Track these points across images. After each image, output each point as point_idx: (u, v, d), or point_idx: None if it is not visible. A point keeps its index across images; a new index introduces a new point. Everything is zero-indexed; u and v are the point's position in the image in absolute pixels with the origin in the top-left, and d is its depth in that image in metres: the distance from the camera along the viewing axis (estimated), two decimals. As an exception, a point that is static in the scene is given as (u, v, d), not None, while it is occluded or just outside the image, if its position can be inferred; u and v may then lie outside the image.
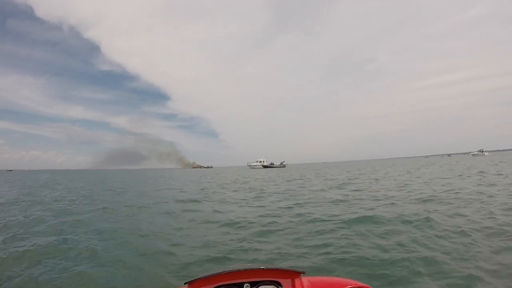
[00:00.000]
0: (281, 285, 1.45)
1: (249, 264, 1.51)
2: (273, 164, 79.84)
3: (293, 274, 1.49)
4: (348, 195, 11.50)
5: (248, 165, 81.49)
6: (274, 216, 7.86)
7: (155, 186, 22.03)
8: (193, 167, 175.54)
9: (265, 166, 77.04)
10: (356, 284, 1.54)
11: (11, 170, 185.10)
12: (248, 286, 1.41)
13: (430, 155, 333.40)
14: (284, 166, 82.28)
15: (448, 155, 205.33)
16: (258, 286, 1.43)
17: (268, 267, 1.46)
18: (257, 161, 78.51)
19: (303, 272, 1.53)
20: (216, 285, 1.41)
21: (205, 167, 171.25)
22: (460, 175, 19.06)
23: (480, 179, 15.56)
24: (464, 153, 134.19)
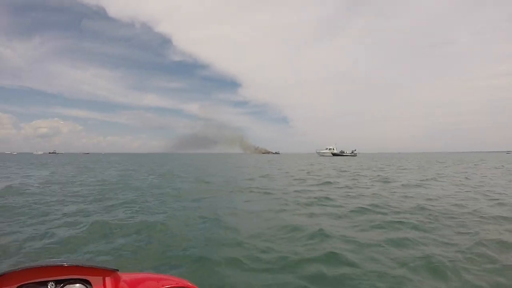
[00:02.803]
0: (90, 284, 1.27)
1: (53, 260, 1.25)
2: (343, 152, 75.96)
3: (104, 271, 1.31)
4: None
5: (317, 152, 79.58)
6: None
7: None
8: (262, 153, 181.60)
9: (334, 154, 73.90)
10: (177, 282, 1.41)
11: (88, 153, 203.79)
12: (53, 285, 1.20)
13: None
14: (355, 155, 77.50)
15: None
16: (64, 285, 1.22)
17: (75, 263, 1.25)
18: (326, 149, 75.69)
19: (117, 270, 1.35)
20: (16, 285, 1.16)
21: (273, 153, 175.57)
22: None
23: None
24: None
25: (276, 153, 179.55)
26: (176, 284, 1.38)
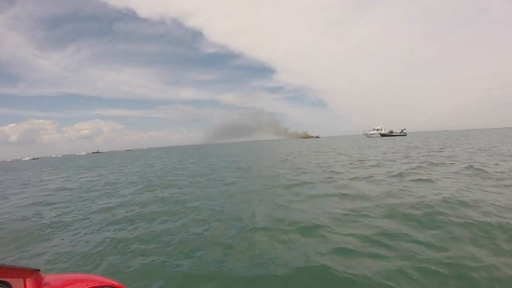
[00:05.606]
0: (10, 286, 1.22)
1: None
2: (393, 132, 73.79)
3: (25, 272, 1.27)
4: None
5: (364, 134, 77.89)
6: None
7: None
8: (302, 137, 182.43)
9: (383, 135, 71.85)
10: (102, 281, 1.39)
11: (130, 150, 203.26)
12: None
13: None
14: (405, 135, 75.28)
15: None
16: None
17: None
18: (374, 129, 73.73)
19: (38, 270, 1.32)
20: None
21: (313, 137, 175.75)
22: None
23: None
24: None
25: (316, 137, 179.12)
26: (101, 283, 1.36)
